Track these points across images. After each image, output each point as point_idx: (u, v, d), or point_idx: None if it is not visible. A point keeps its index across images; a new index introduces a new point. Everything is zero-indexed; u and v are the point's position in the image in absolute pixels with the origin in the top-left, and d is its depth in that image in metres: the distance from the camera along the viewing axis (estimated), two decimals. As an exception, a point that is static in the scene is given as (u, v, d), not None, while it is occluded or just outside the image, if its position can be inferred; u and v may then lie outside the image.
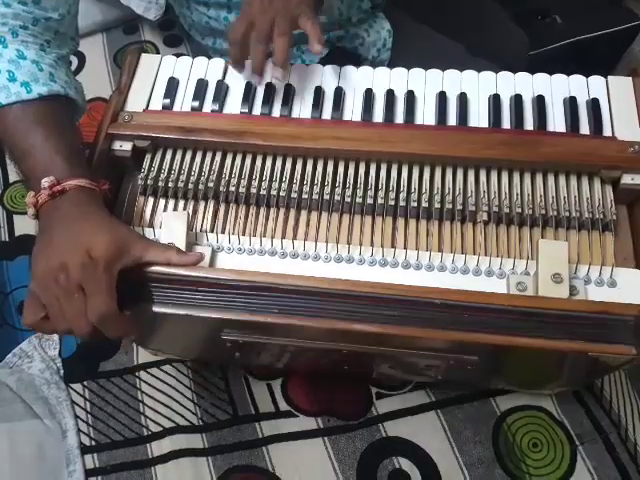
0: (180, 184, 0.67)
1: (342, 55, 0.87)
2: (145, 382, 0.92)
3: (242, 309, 0.60)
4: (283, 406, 0.89)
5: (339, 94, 0.71)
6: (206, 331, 0.71)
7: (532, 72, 0.73)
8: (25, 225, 1.08)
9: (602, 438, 0.85)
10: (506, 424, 0.87)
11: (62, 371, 0.92)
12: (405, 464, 0.84)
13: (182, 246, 0.61)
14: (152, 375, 0.92)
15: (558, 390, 0.87)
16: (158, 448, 0.86)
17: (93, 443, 0.87)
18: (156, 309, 0.60)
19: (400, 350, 0.66)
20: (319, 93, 0.71)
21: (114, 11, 1.32)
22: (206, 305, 0.61)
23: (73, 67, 1.28)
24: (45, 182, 0.57)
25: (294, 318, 0.60)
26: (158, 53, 0.77)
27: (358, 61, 0.76)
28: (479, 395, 0.89)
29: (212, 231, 0.65)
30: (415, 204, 0.65)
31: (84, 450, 0.86)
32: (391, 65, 0.75)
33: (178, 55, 0.77)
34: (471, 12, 1.04)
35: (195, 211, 0.67)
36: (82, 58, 1.30)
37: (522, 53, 1.06)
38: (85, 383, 0.92)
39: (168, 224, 0.63)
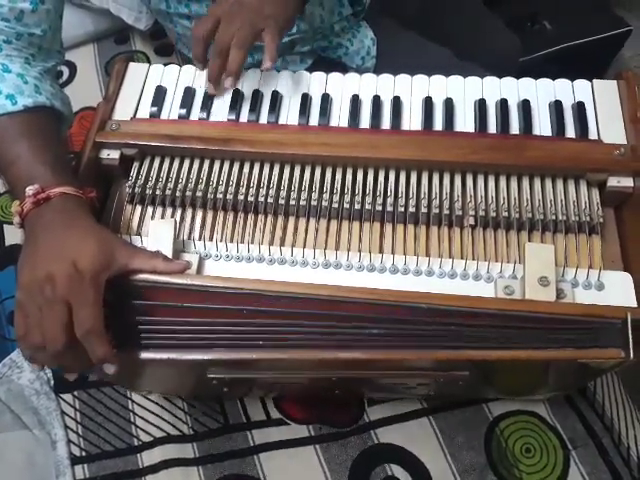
0: (168, 192, 0.67)
1: (327, 65, 0.87)
2: (136, 391, 0.91)
3: (225, 344, 0.59)
4: (274, 414, 0.88)
5: (326, 100, 0.71)
6: (191, 371, 0.69)
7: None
8: (15, 235, 1.07)
9: (595, 442, 0.85)
10: (498, 429, 0.86)
11: (52, 381, 0.91)
12: (397, 471, 0.84)
13: (169, 254, 0.61)
14: (143, 384, 0.92)
15: (550, 395, 0.86)
16: (149, 458, 0.85)
17: (83, 454, 0.86)
18: (140, 355, 0.58)
19: (389, 372, 0.66)
20: (306, 99, 0.72)
21: (105, 21, 1.32)
22: (189, 345, 0.58)
23: (64, 77, 1.28)
24: (30, 190, 0.56)
25: (279, 352, 0.59)
26: (149, 62, 0.77)
27: (343, 70, 0.77)
28: (471, 401, 0.88)
29: (200, 239, 0.65)
30: (402, 209, 0.65)
31: (74, 461, 0.85)
32: (377, 72, 0.75)
33: (168, 64, 0.77)
34: (464, 18, 1.05)
35: (183, 219, 0.66)
36: (73, 68, 1.30)
37: (515, 59, 1.07)
38: (75, 393, 0.91)
39: (155, 232, 0.63)
